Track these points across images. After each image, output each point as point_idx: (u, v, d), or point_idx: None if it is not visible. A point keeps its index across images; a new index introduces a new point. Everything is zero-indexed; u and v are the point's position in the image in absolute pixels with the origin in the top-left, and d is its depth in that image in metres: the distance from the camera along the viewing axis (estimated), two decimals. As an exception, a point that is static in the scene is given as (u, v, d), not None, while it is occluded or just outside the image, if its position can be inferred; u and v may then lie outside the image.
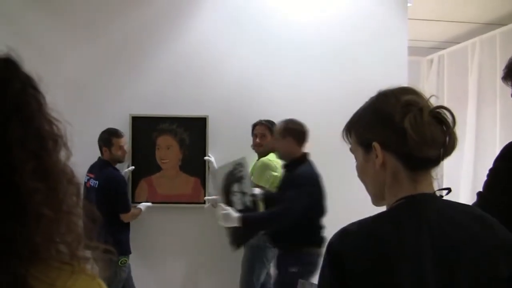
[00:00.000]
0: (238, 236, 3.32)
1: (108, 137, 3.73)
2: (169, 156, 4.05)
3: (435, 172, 1.15)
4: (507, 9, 5.07)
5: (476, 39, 5.62)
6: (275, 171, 3.76)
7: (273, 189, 3.63)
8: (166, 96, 4.08)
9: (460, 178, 5.80)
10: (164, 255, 4.15)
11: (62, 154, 0.75)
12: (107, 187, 3.62)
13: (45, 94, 0.76)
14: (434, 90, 6.28)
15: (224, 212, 3.22)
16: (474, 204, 1.95)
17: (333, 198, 4.14)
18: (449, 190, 1.19)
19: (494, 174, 1.95)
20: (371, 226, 1.11)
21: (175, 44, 4.13)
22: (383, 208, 1.18)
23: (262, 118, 3.93)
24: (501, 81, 2.02)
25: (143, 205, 3.90)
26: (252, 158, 3.93)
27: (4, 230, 0.67)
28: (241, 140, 3.96)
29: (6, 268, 0.67)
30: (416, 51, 6.12)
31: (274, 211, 3.27)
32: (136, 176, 3.97)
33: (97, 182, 3.65)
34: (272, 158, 3.82)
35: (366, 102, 1.21)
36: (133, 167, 3.92)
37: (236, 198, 3.49)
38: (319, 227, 3.33)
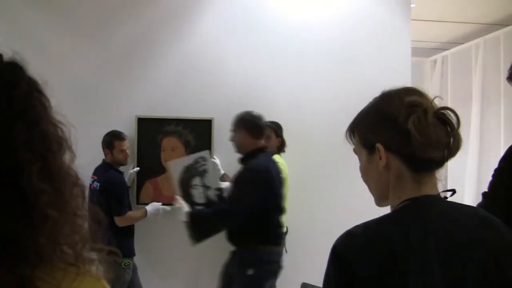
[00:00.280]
0: (195, 231, 3.18)
1: (110, 140, 3.74)
2: (174, 157, 4.04)
3: (439, 173, 1.15)
4: (511, 10, 5.10)
5: (480, 39, 5.65)
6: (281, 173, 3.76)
7: None
8: (171, 97, 4.10)
9: (465, 179, 5.81)
10: (169, 256, 4.16)
11: (67, 157, 0.76)
12: (107, 190, 3.63)
13: (50, 97, 0.77)
14: (438, 91, 6.31)
15: (178, 206, 3.23)
16: (479, 204, 1.97)
17: (336, 199, 4.16)
18: (453, 191, 1.18)
19: (499, 174, 1.95)
20: (376, 228, 1.11)
21: (180, 46, 4.15)
22: (386, 210, 1.18)
23: (268, 120, 3.93)
24: (505, 81, 2.03)
25: (152, 206, 3.86)
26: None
27: (10, 231, 0.67)
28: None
29: (12, 269, 0.67)
30: (420, 52, 6.16)
31: (220, 209, 3.23)
32: (141, 177, 3.98)
33: (98, 184, 3.67)
34: (277, 159, 3.79)
35: (370, 103, 1.21)
36: (138, 168, 3.94)
37: (197, 192, 3.46)
38: (276, 225, 3.26)
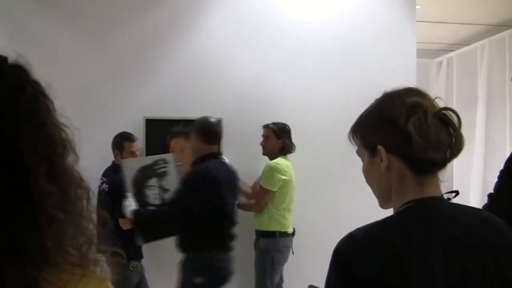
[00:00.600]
0: (141, 230, 3.14)
1: (120, 141, 3.77)
2: (183, 158, 4.05)
3: (442, 174, 1.15)
4: (516, 11, 5.09)
5: (485, 41, 5.70)
6: (284, 175, 3.82)
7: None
8: (180, 98, 4.15)
9: (470, 180, 5.86)
10: (177, 258, 4.17)
11: (71, 159, 0.77)
12: (114, 191, 3.63)
13: (54, 100, 0.78)
14: (443, 92, 6.34)
15: (126, 204, 3.20)
16: (485, 206, 1.98)
17: (343, 201, 4.19)
18: (456, 193, 1.18)
19: (505, 175, 1.97)
20: (378, 230, 1.11)
21: (188, 47, 4.20)
22: (390, 212, 1.18)
23: (276, 120, 4.00)
24: (510, 82, 2.02)
25: None
26: (265, 161, 3.99)
27: (17, 232, 0.68)
28: (255, 142, 4.01)
29: (18, 270, 0.68)
30: (425, 53, 6.22)
31: (161, 210, 3.19)
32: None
33: (107, 186, 3.69)
34: (280, 161, 3.88)
35: (372, 104, 1.21)
36: (147, 170, 3.93)
37: (153, 193, 3.41)
38: (224, 231, 3.21)
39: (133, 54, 4.16)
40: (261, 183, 3.87)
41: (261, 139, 4.01)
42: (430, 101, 1.12)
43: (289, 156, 3.99)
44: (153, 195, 3.38)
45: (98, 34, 4.15)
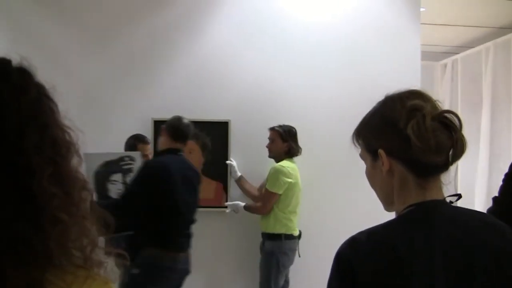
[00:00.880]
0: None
1: (134, 143, 3.83)
2: (191, 160, 4.10)
3: (445, 177, 1.16)
4: (521, 13, 5.17)
5: (490, 43, 5.71)
6: (290, 177, 3.86)
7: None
8: (188, 100, 4.19)
9: (475, 184, 5.88)
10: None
11: (75, 161, 0.79)
12: None
13: (59, 102, 0.80)
14: (448, 95, 6.36)
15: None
16: (489, 209, 2.00)
17: (349, 203, 4.23)
18: (459, 196, 1.19)
19: (509, 178, 1.98)
20: (380, 234, 1.12)
21: (196, 49, 4.26)
22: (395, 213, 1.20)
23: (282, 122, 4.04)
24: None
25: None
26: (272, 163, 4.04)
27: (21, 234, 0.69)
28: (263, 144, 4.05)
29: (22, 272, 0.68)
30: (430, 56, 6.23)
31: (112, 201, 3.21)
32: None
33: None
34: (285, 164, 3.91)
35: (374, 107, 1.22)
36: (155, 171, 4.00)
37: (115, 187, 3.45)
38: (175, 230, 3.21)
39: (139, 56, 4.22)
40: (266, 186, 3.91)
41: (268, 141, 4.04)
42: (432, 103, 1.13)
43: (295, 157, 4.03)
44: (115, 190, 3.41)
45: (103, 35, 4.20)
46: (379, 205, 1.23)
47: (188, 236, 3.30)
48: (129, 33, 4.23)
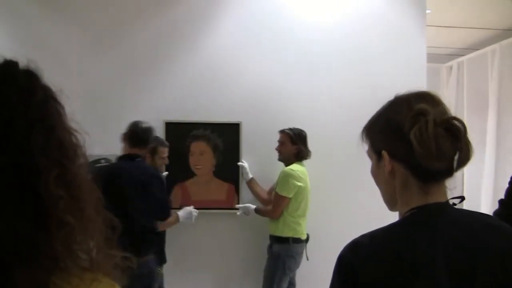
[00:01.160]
0: None
1: (154, 146, 3.81)
2: (203, 162, 4.18)
3: (450, 182, 1.17)
4: (527, 15, 5.24)
5: (496, 45, 5.77)
6: (299, 181, 3.87)
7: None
8: (199, 102, 4.23)
9: (481, 186, 5.92)
10: (197, 261, 4.27)
11: (81, 163, 0.79)
12: None
13: (66, 105, 0.80)
14: (454, 97, 6.42)
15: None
16: (496, 211, 2.04)
17: (357, 205, 4.26)
18: (462, 198, 1.21)
19: None
20: (383, 237, 1.13)
21: (206, 49, 4.28)
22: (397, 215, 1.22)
23: (290, 124, 4.06)
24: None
25: (183, 210, 3.93)
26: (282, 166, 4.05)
27: (27, 236, 0.69)
28: (274, 146, 4.06)
29: (28, 275, 0.69)
30: (435, 58, 6.29)
31: None
32: (170, 182, 4.08)
33: None
34: (295, 168, 3.93)
35: (382, 106, 1.23)
36: (167, 172, 4.05)
37: None
38: (124, 233, 3.25)
39: (148, 56, 4.24)
40: (276, 190, 3.92)
41: (278, 144, 4.06)
42: (440, 108, 1.13)
43: (304, 161, 4.04)
44: None
45: (110, 36, 4.23)
46: (386, 208, 1.25)
47: (142, 241, 3.26)
48: (137, 33, 4.25)
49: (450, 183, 1.16)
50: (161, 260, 3.77)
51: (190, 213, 3.93)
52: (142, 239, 3.29)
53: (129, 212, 3.18)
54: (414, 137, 1.08)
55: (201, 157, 4.18)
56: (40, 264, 0.70)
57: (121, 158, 3.42)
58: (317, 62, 4.36)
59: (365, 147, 1.26)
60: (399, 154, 1.14)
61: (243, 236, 4.29)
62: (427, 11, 4.61)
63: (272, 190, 4.10)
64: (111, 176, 3.21)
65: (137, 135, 3.40)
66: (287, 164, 3.98)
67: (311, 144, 4.06)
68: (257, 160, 4.20)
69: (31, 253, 0.69)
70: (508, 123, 5.61)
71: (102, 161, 3.82)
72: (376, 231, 1.14)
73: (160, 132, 4.08)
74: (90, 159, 2.82)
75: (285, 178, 3.88)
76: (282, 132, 4.03)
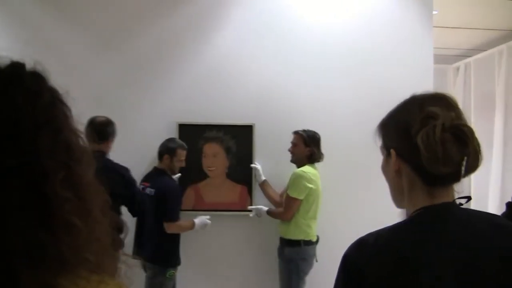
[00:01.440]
0: None
1: (175, 147, 3.89)
2: (216, 163, 4.22)
3: (458, 186, 1.18)
4: (535, 16, 5.28)
5: (503, 46, 5.82)
6: (310, 183, 3.89)
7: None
8: (212, 103, 4.27)
9: (489, 187, 5.97)
10: (209, 262, 4.32)
11: (87, 166, 0.80)
12: (163, 195, 3.75)
13: (77, 106, 0.82)
14: (461, 98, 6.45)
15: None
16: (503, 214, 2.08)
17: (358, 207, 4.31)
18: (469, 198, 1.21)
19: None
20: (388, 236, 1.14)
21: (221, 50, 4.33)
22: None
23: (308, 127, 4.09)
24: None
25: (198, 220, 3.98)
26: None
27: (34, 238, 0.69)
28: (288, 148, 4.10)
29: (34, 277, 0.69)
30: (442, 59, 6.33)
31: None
32: (183, 183, 4.13)
33: (153, 190, 3.78)
34: (307, 170, 3.95)
35: (398, 104, 1.24)
36: (180, 174, 4.08)
37: None
38: None
39: (166, 56, 4.28)
40: (288, 192, 3.94)
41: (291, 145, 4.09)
42: (453, 112, 1.13)
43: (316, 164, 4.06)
44: None
45: (118, 38, 4.28)
46: (391, 207, 1.27)
47: None
48: (145, 34, 4.30)
49: (458, 187, 1.18)
50: (176, 262, 3.83)
51: (205, 225, 3.99)
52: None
53: None
54: (421, 141, 1.09)
55: (214, 159, 4.22)
56: (46, 266, 0.70)
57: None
58: (325, 64, 4.40)
59: (379, 142, 1.28)
60: (406, 154, 1.16)
61: (255, 238, 4.33)
62: (434, 12, 4.65)
63: (284, 192, 4.10)
64: None
65: (93, 130, 3.38)
66: (299, 166, 4.00)
67: (322, 146, 4.08)
68: (270, 162, 4.23)
69: (37, 255, 0.69)
70: (515, 123, 5.65)
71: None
72: (382, 230, 1.16)
73: (173, 134, 4.15)
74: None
75: (296, 179, 3.91)
76: (295, 133, 4.05)
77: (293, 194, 3.90)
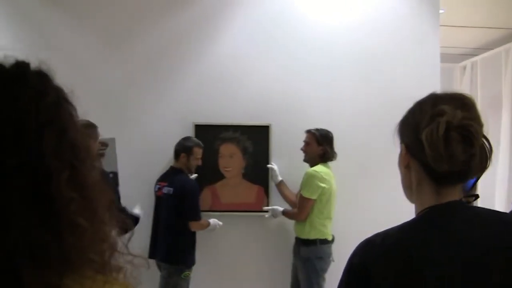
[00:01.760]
0: None
1: (191, 146, 3.94)
2: (232, 164, 4.26)
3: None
4: (541, 15, 5.34)
5: (510, 44, 5.91)
6: (323, 182, 3.91)
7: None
8: (229, 104, 4.31)
9: (495, 185, 6.04)
10: (224, 263, 4.36)
11: (93, 165, 0.81)
12: (182, 193, 3.80)
13: (76, 106, 0.81)
14: (467, 97, 6.46)
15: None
16: (511, 212, 2.08)
17: (364, 207, 4.36)
18: (476, 196, 1.23)
19: None
20: (395, 236, 1.15)
21: (235, 51, 4.38)
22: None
23: (323, 126, 4.12)
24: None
25: (212, 221, 4.05)
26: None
27: (39, 239, 0.69)
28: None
29: (39, 278, 0.69)
30: (449, 57, 6.38)
31: None
32: (200, 184, 4.14)
33: (172, 189, 3.82)
34: (319, 169, 3.97)
35: (416, 101, 1.24)
36: (196, 175, 4.12)
37: None
38: None
39: (180, 58, 4.32)
40: (301, 192, 3.97)
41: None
42: (465, 112, 1.12)
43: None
44: None
45: (129, 36, 4.31)
46: (411, 208, 1.27)
47: None
48: (157, 33, 4.34)
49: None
50: (191, 262, 3.88)
51: (216, 226, 4.06)
52: None
53: None
54: (425, 138, 1.11)
55: (231, 159, 4.26)
56: (50, 266, 0.70)
57: None
58: (333, 63, 4.45)
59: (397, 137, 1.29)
60: (415, 151, 1.18)
61: (272, 238, 4.38)
62: (441, 11, 4.69)
63: (299, 193, 4.12)
64: None
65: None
66: (312, 165, 4.03)
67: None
68: (287, 163, 4.27)
69: (42, 256, 0.69)
70: (521, 122, 5.72)
71: (98, 144, 3.91)
72: (390, 230, 1.17)
73: (189, 134, 4.17)
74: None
75: (309, 179, 3.93)
76: (308, 132, 4.07)
77: (306, 194, 3.92)
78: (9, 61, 0.77)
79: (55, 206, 0.71)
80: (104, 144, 3.85)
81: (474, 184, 1.24)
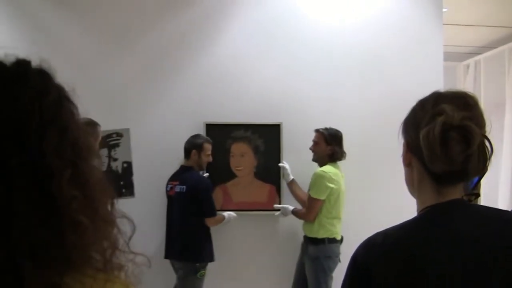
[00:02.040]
0: None
1: (201, 142, 3.97)
2: (244, 163, 4.30)
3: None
4: (544, 13, 5.38)
5: (513, 43, 5.93)
6: (331, 183, 3.93)
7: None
8: (240, 103, 4.34)
9: (499, 184, 6.09)
10: (236, 262, 4.39)
11: (95, 164, 0.81)
12: (196, 191, 3.83)
13: (78, 104, 0.82)
14: (471, 96, 6.51)
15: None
16: None
17: (369, 207, 4.40)
18: (477, 195, 1.23)
19: None
20: (396, 235, 1.17)
21: (244, 50, 4.41)
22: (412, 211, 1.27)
23: (329, 125, 4.14)
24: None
25: (227, 214, 4.11)
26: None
27: (40, 237, 0.70)
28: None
29: (40, 276, 0.70)
30: (452, 56, 6.42)
31: None
32: (211, 183, 4.14)
33: (184, 187, 3.85)
34: (327, 169, 3.98)
35: (419, 100, 1.25)
36: (208, 174, 4.16)
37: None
38: None
39: (192, 58, 4.36)
40: (309, 192, 3.99)
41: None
42: (467, 112, 1.13)
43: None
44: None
45: (135, 35, 4.33)
46: (415, 208, 1.27)
47: None
48: (165, 33, 4.36)
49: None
50: (210, 257, 3.92)
51: (231, 218, 4.13)
52: None
53: None
54: (422, 137, 1.12)
55: (242, 158, 4.29)
56: (52, 264, 0.71)
57: None
58: (335, 63, 4.49)
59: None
60: (415, 149, 1.20)
61: (283, 237, 4.41)
62: (444, 10, 4.73)
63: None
64: None
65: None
66: (321, 165, 4.04)
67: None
68: (298, 161, 4.29)
69: (43, 255, 0.70)
70: (525, 121, 5.75)
71: (114, 135, 4.04)
72: (391, 229, 1.18)
73: (201, 133, 4.18)
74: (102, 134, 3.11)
75: (317, 180, 3.95)
76: (317, 131, 4.08)
77: (314, 195, 3.94)
78: (10, 60, 0.77)
79: (57, 204, 0.72)
80: (119, 135, 3.98)
81: (477, 183, 1.24)
